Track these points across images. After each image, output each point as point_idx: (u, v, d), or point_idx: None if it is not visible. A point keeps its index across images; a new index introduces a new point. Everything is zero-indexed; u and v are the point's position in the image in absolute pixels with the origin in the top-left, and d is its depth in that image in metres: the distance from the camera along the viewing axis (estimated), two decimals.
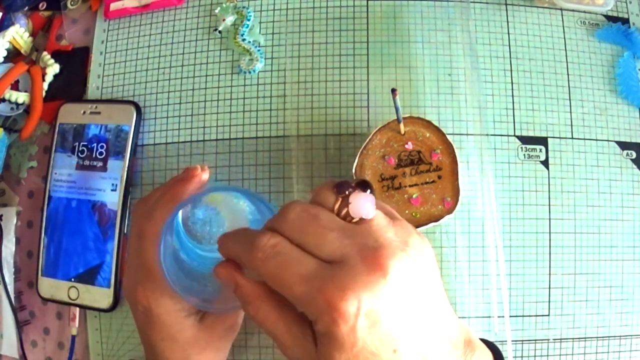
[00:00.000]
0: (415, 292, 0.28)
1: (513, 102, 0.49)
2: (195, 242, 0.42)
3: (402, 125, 0.43)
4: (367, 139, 0.44)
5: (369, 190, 0.30)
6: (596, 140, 0.48)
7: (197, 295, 0.37)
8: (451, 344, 0.30)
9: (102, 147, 0.50)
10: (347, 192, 0.30)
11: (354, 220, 0.30)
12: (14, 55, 0.56)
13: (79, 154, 0.51)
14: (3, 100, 0.53)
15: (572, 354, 0.46)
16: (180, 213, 0.40)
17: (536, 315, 0.46)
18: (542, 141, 0.48)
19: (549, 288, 0.46)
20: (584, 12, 0.50)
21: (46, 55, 0.54)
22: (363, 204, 0.29)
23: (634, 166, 0.48)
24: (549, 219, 0.47)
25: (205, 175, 0.40)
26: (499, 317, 0.46)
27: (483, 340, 0.34)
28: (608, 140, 0.49)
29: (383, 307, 0.27)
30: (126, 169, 0.49)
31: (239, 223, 0.40)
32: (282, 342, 0.30)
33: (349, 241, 0.28)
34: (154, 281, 0.37)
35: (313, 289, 0.27)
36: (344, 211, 0.30)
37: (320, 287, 0.27)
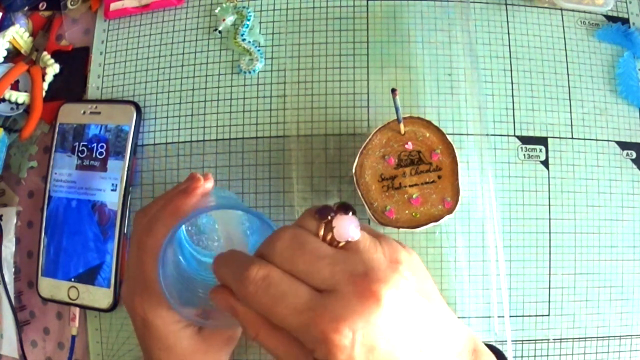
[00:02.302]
0: (412, 310, 0.28)
1: (513, 102, 0.49)
2: (195, 247, 0.41)
3: (402, 125, 0.43)
4: (367, 139, 0.44)
5: (350, 213, 0.30)
6: (596, 140, 0.48)
7: (196, 306, 0.37)
8: (457, 355, 0.30)
9: (102, 147, 0.50)
10: (329, 217, 0.30)
11: (340, 244, 0.30)
12: (14, 55, 0.56)
13: (79, 154, 0.51)
14: (3, 100, 0.53)
15: (572, 354, 0.46)
16: None
17: (536, 315, 0.46)
18: (542, 141, 0.48)
19: (549, 288, 0.46)
20: (584, 12, 0.50)
21: (46, 55, 0.54)
22: (347, 227, 0.29)
23: (634, 166, 0.48)
24: (549, 219, 0.47)
25: (208, 184, 0.40)
26: (499, 317, 0.46)
27: (487, 345, 0.34)
28: (608, 140, 0.49)
29: (379, 333, 0.27)
30: (126, 169, 0.49)
31: (232, 229, 0.40)
32: None
33: (339, 268, 0.28)
34: (152, 293, 0.37)
35: (307, 321, 0.27)
36: (329, 236, 0.30)
37: (314, 319, 0.27)
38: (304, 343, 0.28)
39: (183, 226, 0.40)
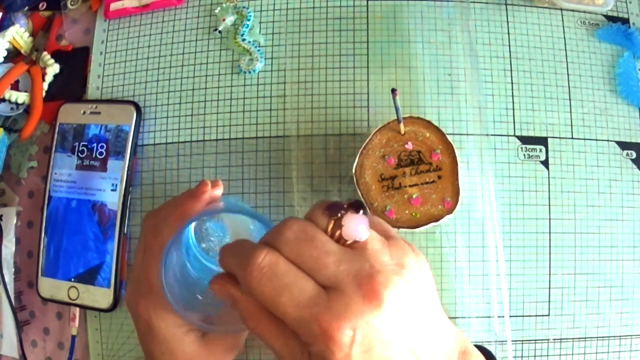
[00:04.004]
0: (410, 314, 0.28)
1: (513, 102, 0.49)
2: (202, 252, 0.41)
3: (402, 125, 0.43)
4: (367, 139, 0.44)
5: (362, 211, 0.30)
6: (596, 140, 0.48)
7: (200, 312, 0.37)
8: (445, 356, 0.31)
9: (102, 147, 0.50)
10: (339, 215, 0.30)
11: (348, 243, 0.30)
12: (14, 55, 0.56)
13: (79, 154, 0.51)
14: (3, 100, 0.53)
15: (572, 354, 0.46)
16: (192, 224, 0.40)
17: (536, 315, 0.46)
18: (542, 141, 0.48)
19: (549, 288, 0.46)
20: (584, 12, 0.50)
21: (46, 55, 0.54)
22: (356, 227, 0.29)
23: (634, 166, 0.48)
24: (549, 219, 0.47)
25: (217, 191, 0.40)
26: (499, 317, 0.46)
27: (478, 346, 0.34)
28: (608, 140, 0.49)
29: (378, 334, 0.27)
30: (126, 169, 0.49)
31: (241, 233, 0.40)
32: (280, 355, 0.30)
33: (345, 267, 0.28)
34: (157, 295, 0.37)
35: (309, 316, 0.27)
36: (337, 233, 0.30)
37: (316, 315, 0.27)
38: (301, 336, 0.28)
39: (192, 230, 0.41)
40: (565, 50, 0.50)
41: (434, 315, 0.30)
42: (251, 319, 0.30)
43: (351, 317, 0.27)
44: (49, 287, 0.50)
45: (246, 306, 0.30)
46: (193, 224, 0.40)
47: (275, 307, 0.28)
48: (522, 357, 0.46)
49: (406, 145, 0.44)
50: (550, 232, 0.47)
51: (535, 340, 0.46)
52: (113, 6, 0.53)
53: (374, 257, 0.29)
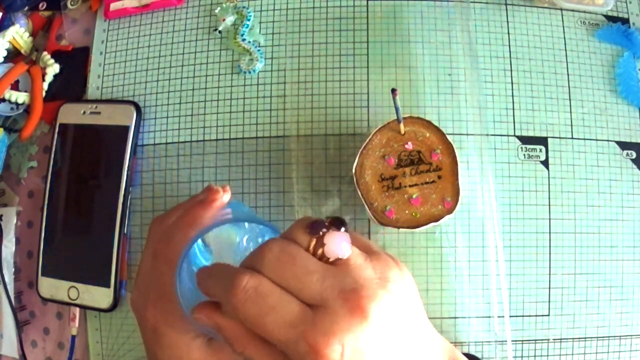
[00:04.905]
0: (397, 326, 0.29)
1: (513, 102, 0.49)
2: (210, 258, 0.41)
3: (402, 125, 0.43)
4: (367, 139, 0.44)
5: (343, 229, 0.30)
6: (596, 140, 0.48)
7: None
8: None
9: None
10: (320, 233, 0.30)
11: (330, 260, 0.30)
12: (14, 55, 0.56)
13: None
14: (3, 100, 0.53)
15: (572, 354, 0.46)
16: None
17: (536, 315, 0.46)
18: (542, 141, 0.48)
19: (549, 288, 0.46)
20: (584, 12, 0.50)
21: (46, 55, 0.54)
22: (338, 245, 0.29)
23: (634, 166, 0.48)
24: (549, 219, 0.47)
25: (226, 197, 0.40)
26: (499, 317, 0.46)
27: (466, 354, 0.35)
28: (608, 140, 0.49)
29: (366, 347, 0.27)
30: (126, 169, 0.49)
31: (224, 253, 0.40)
32: None
33: (329, 283, 0.28)
34: (166, 302, 0.37)
35: (296, 335, 0.28)
36: (320, 251, 0.30)
37: (302, 333, 0.27)
38: (290, 356, 0.28)
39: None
40: (565, 50, 0.50)
41: (420, 327, 0.31)
42: (238, 343, 0.30)
43: (338, 332, 0.27)
44: (49, 287, 0.50)
45: (232, 331, 0.30)
46: None
47: (262, 329, 0.28)
48: (522, 357, 0.46)
49: (406, 145, 0.44)
50: (550, 232, 0.47)
51: (535, 340, 0.46)
52: (113, 6, 0.53)
53: (357, 272, 0.29)
